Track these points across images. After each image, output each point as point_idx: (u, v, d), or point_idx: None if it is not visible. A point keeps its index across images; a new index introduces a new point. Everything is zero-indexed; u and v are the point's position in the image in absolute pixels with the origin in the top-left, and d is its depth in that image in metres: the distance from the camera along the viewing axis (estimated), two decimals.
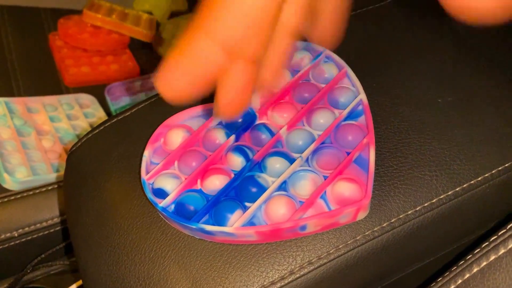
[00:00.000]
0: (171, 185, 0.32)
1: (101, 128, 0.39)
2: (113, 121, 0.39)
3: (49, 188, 0.52)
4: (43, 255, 0.51)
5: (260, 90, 0.24)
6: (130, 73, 0.81)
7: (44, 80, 0.77)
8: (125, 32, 0.83)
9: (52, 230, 0.50)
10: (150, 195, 0.32)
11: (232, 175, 0.32)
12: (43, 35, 0.83)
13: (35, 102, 0.69)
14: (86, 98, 0.74)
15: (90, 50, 0.81)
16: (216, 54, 0.21)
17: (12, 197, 0.52)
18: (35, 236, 0.51)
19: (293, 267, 0.30)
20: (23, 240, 0.51)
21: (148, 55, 0.85)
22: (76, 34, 0.80)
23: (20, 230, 0.51)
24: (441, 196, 0.32)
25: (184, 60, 0.21)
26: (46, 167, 0.60)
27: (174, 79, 0.22)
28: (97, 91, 0.76)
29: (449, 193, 0.32)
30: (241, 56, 0.21)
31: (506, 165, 0.33)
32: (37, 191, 0.52)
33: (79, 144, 0.39)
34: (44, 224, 0.51)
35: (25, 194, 0.52)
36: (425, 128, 0.35)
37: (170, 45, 0.86)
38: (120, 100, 0.75)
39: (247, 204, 0.31)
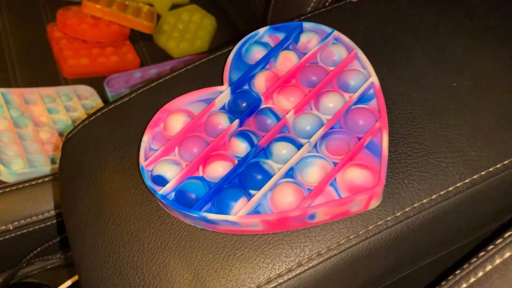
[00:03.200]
0: (171, 172, 0.30)
1: (98, 114, 0.37)
2: (111, 107, 0.37)
3: (46, 179, 0.50)
4: (39, 249, 0.50)
5: None
6: (130, 65, 0.79)
7: (42, 71, 0.76)
8: (125, 24, 0.81)
9: (48, 223, 0.48)
10: (149, 182, 0.30)
11: (236, 162, 0.31)
12: (42, 26, 0.81)
13: (32, 93, 0.67)
14: (85, 90, 0.72)
15: (90, 42, 0.79)
16: None
17: (8, 189, 0.50)
18: (30, 229, 0.49)
19: (301, 258, 0.28)
20: (18, 233, 0.49)
21: (148, 47, 0.83)
22: (75, 25, 0.79)
23: (16, 223, 0.49)
24: (458, 184, 0.30)
25: None
26: (44, 159, 0.59)
27: None
28: (96, 83, 0.74)
29: (466, 180, 0.31)
30: None
31: None
32: (33, 182, 0.51)
33: (75, 131, 0.37)
34: (41, 217, 0.50)
35: (20, 186, 0.51)
36: (440, 113, 0.33)
37: (171, 37, 0.84)
38: (119, 92, 0.73)
39: (252, 191, 0.29)
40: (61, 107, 0.67)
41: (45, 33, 0.80)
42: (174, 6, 0.88)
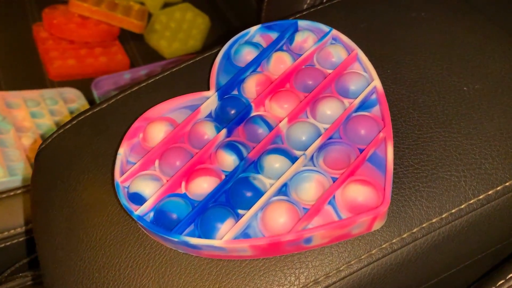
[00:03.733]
0: (150, 188, 0.27)
1: (74, 122, 0.34)
2: (87, 114, 0.34)
3: (18, 192, 0.46)
4: (17, 265, 0.46)
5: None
6: (120, 66, 0.75)
7: (27, 73, 0.72)
8: (114, 23, 0.78)
9: (21, 239, 0.45)
10: (124, 201, 0.26)
11: (223, 177, 0.27)
12: (27, 25, 0.77)
13: (15, 96, 0.64)
14: (72, 93, 0.69)
15: (77, 42, 0.76)
16: None
17: None
18: (8, 243, 0.46)
19: (295, 287, 0.25)
20: None
21: (139, 47, 0.80)
22: (62, 24, 0.75)
23: None
24: (471, 201, 0.27)
25: None
26: (25, 166, 0.55)
27: None
28: (84, 85, 0.71)
29: (481, 197, 0.27)
30: None
31: None
32: (4, 195, 0.47)
33: (48, 140, 0.34)
34: (19, 230, 0.46)
35: None
36: (450, 121, 0.30)
37: (163, 37, 0.81)
38: (107, 95, 0.69)
39: (240, 211, 0.26)
40: (46, 111, 0.64)
41: (31, 33, 0.77)
42: (166, 5, 0.85)
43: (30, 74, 0.72)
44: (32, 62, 0.74)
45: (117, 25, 0.78)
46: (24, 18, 0.78)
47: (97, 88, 0.70)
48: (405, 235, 0.26)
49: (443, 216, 0.27)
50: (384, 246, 0.26)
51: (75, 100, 0.69)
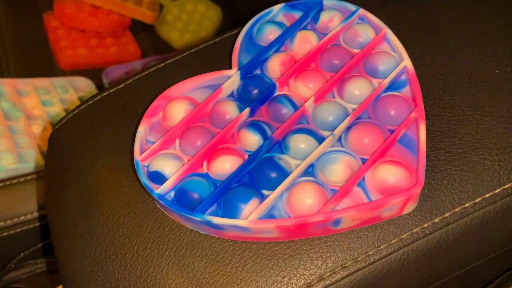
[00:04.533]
0: (170, 167, 0.26)
1: (90, 102, 0.33)
2: (104, 94, 0.33)
3: (29, 178, 0.45)
4: (26, 252, 0.45)
5: None
6: (131, 56, 0.75)
7: (38, 62, 0.72)
8: (126, 13, 0.77)
9: (37, 224, 0.44)
10: (144, 180, 0.25)
11: (246, 157, 0.26)
12: (38, 14, 0.77)
13: (25, 84, 0.63)
14: (82, 82, 0.68)
15: (88, 31, 0.75)
16: None
17: None
18: (18, 230, 0.45)
19: (322, 271, 0.24)
20: (4, 234, 0.45)
21: (150, 38, 0.79)
22: (73, 13, 0.74)
23: (2, 223, 0.45)
24: (506, 186, 0.26)
25: None
26: (35, 154, 0.55)
27: None
28: (94, 74, 0.70)
29: None
30: None
31: None
32: (22, 179, 0.46)
33: (63, 121, 0.33)
34: (29, 216, 0.45)
35: (7, 183, 0.46)
36: (482, 104, 0.28)
37: (174, 28, 0.80)
38: None
39: (265, 192, 0.25)
40: (56, 99, 0.63)
41: (42, 22, 0.76)
42: None
43: (40, 63, 0.71)
44: (43, 51, 0.73)
45: (129, 15, 0.78)
46: (35, 7, 0.78)
47: (108, 78, 0.69)
48: (437, 220, 0.25)
49: (477, 201, 0.26)
50: (415, 230, 0.25)
51: (85, 89, 0.68)
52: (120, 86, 0.33)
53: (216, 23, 0.81)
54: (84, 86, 0.68)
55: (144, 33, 0.79)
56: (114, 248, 0.27)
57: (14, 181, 0.47)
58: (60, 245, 0.29)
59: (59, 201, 0.30)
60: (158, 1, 0.81)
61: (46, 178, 0.33)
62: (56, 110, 0.62)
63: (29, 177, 0.46)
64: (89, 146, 0.31)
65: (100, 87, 0.69)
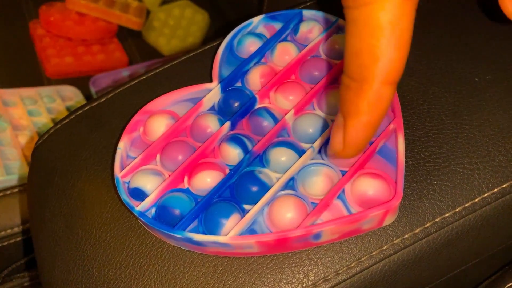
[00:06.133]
0: (151, 183, 0.26)
1: (72, 117, 0.33)
2: (85, 108, 0.33)
3: (14, 191, 0.45)
4: (14, 266, 0.45)
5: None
6: (118, 63, 0.74)
7: (24, 71, 0.71)
8: (112, 20, 0.77)
9: (18, 239, 0.43)
10: (125, 197, 0.25)
11: (227, 171, 0.26)
12: (24, 23, 0.76)
13: (11, 94, 0.63)
14: (69, 91, 0.68)
15: (75, 39, 0.75)
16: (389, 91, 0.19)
17: None
18: (4, 243, 0.45)
19: (304, 285, 0.24)
20: None
21: (137, 44, 0.79)
22: (59, 21, 0.74)
23: None
24: (485, 195, 0.26)
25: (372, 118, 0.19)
26: (22, 165, 0.54)
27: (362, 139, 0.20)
28: (82, 83, 0.70)
29: (495, 190, 0.26)
30: (394, 80, 0.19)
31: None
32: (8, 192, 0.46)
33: (45, 136, 0.33)
34: (16, 230, 0.45)
35: None
36: (461, 112, 0.29)
37: (161, 34, 0.80)
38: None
39: (246, 206, 0.25)
40: (43, 109, 0.63)
41: (28, 31, 0.76)
42: (164, 2, 0.83)
43: (27, 72, 0.71)
44: (29, 60, 0.72)
45: (115, 22, 0.77)
46: (20, 15, 0.77)
47: (95, 86, 0.69)
48: (417, 230, 0.25)
49: (457, 210, 0.26)
50: (396, 241, 0.25)
51: (72, 98, 0.67)
52: (102, 100, 0.33)
53: (204, 28, 0.81)
54: (71, 94, 0.68)
55: (131, 40, 0.79)
56: (97, 264, 0.27)
57: (0, 194, 0.47)
58: (43, 262, 0.29)
59: (42, 217, 0.30)
60: (144, 7, 0.81)
61: (29, 194, 0.33)
62: (43, 120, 0.62)
63: (15, 190, 0.46)
64: (71, 162, 0.31)
65: (87, 95, 0.69)
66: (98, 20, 0.76)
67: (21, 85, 0.65)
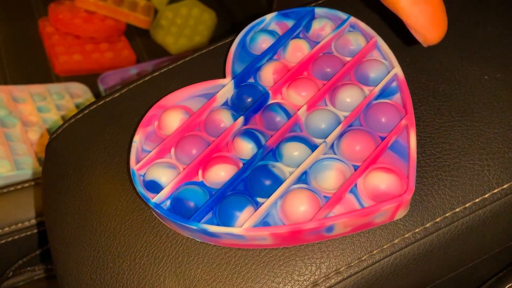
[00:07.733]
0: (166, 176, 0.26)
1: (86, 111, 0.33)
2: (100, 103, 0.33)
3: (26, 185, 0.46)
4: (25, 259, 0.46)
5: None
6: (126, 61, 0.75)
7: (33, 68, 0.72)
8: (121, 18, 0.78)
9: (35, 231, 0.44)
10: (140, 189, 0.26)
11: (241, 165, 0.27)
12: (33, 20, 0.77)
13: (21, 91, 0.63)
14: (78, 88, 0.68)
15: (83, 37, 0.76)
16: None
17: None
18: (16, 237, 0.45)
19: (316, 277, 0.25)
20: (2, 242, 0.45)
21: (145, 43, 0.79)
22: (68, 19, 0.75)
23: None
24: (495, 190, 0.27)
25: None
26: (32, 161, 0.55)
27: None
28: (90, 80, 0.70)
29: (505, 186, 0.27)
30: None
31: None
32: (19, 187, 0.47)
33: (59, 130, 0.33)
34: (27, 224, 0.46)
35: (5, 191, 0.47)
36: (471, 109, 0.29)
37: (169, 33, 0.80)
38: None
39: (259, 199, 0.25)
40: (52, 105, 0.64)
41: (37, 28, 0.76)
42: (172, 1, 0.84)
43: (36, 69, 0.72)
44: (38, 57, 0.73)
45: (123, 21, 0.78)
46: (30, 13, 0.78)
47: (103, 83, 0.69)
48: (428, 225, 0.26)
49: (467, 205, 0.26)
50: (407, 235, 0.25)
51: (81, 95, 0.68)
52: (115, 95, 0.33)
53: (211, 27, 0.81)
54: (80, 92, 0.68)
55: (139, 38, 0.79)
56: (111, 256, 0.27)
57: (11, 188, 0.47)
58: (58, 254, 0.30)
59: (57, 210, 0.31)
60: (152, 5, 0.81)
61: (43, 187, 0.33)
62: (52, 116, 0.62)
63: (26, 184, 0.46)
64: (85, 155, 0.31)
65: (95, 92, 0.69)
66: (107, 19, 0.77)
67: (30, 81, 0.66)
